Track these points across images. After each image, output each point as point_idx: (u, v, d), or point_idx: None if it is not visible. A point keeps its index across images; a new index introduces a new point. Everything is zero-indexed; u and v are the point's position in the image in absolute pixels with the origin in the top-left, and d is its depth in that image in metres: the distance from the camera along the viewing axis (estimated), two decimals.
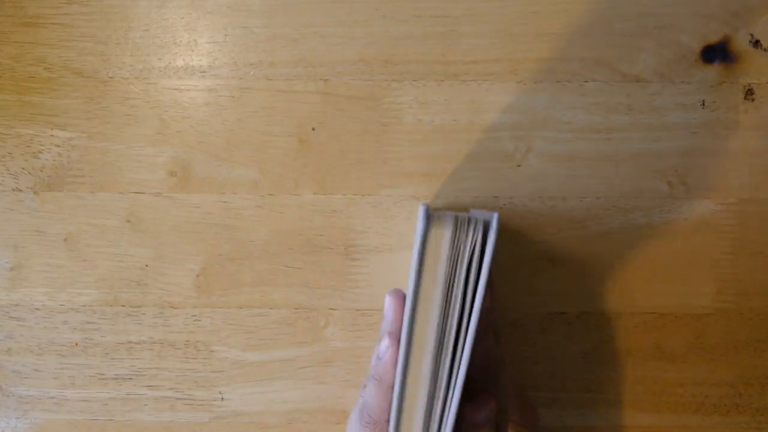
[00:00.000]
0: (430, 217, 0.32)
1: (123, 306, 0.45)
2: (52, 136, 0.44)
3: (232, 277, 0.45)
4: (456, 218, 0.31)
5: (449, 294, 0.32)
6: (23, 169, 0.45)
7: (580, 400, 0.45)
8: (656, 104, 0.43)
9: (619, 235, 0.44)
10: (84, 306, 0.45)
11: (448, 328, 0.32)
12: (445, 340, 0.32)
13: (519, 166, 0.44)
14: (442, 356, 0.32)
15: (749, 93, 0.43)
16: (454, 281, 0.32)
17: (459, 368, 0.31)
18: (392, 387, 0.33)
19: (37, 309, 0.45)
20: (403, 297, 0.36)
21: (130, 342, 0.46)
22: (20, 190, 0.45)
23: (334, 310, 0.45)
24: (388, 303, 0.36)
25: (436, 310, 0.31)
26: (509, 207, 0.44)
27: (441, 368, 0.32)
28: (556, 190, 0.44)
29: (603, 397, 0.45)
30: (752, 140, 0.43)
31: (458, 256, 0.32)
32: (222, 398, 0.46)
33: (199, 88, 0.44)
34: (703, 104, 0.43)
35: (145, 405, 0.46)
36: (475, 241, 0.31)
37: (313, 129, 0.44)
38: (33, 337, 0.46)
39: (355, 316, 0.45)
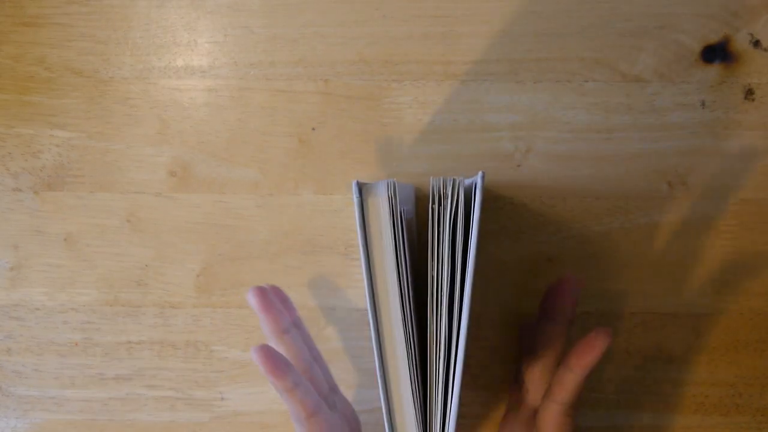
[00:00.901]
0: (362, 190, 0.32)
1: (123, 306, 0.45)
2: (52, 136, 0.44)
3: (232, 277, 0.45)
4: (388, 185, 0.31)
5: (434, 260, 0.32)
6: (23, 169, 0.45)
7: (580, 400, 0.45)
8: (656, 104, 0.43)
9: (619, 235, 0.44)
10: (84, 306, 0.45)
11: (436, 292, 0.32)
12: (435, 308, 0.32)
13: (519, 166, 0.44)
14: (434, 328, 0.31)
15: (749, 93, 0.43)
16: (440, 244, 0.32)
17: (458, 342, 0.31)
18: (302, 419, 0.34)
19: (37, 309, 0.45)
20: (264, 292, 0.36)
21: (130, 342, 0.46)
22: (20, 190, 0.45)
23: (334, 310, 0.45)
24: (254, 303, 0.35)
25: (393, 282, 0.31)
26: (509, 207, 0.44)
27: (435, 351, 0.31)
28: (556, 190, 0.44)
29: (603, 397, 0.45)
30: (752, 140, 0.43)
31: (439, 217, 0.32)
32: (222, 398, 0.46)
33: (199, 88, 0.44)
34: (703, 104, 0.43)
35: (145, 405, 0.46)
36: (456, 199, 0.32)
37: (313, 129, 0.44)
38: (33, 337, 0.46)
39: (355, 316, 0.45)
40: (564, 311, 0.38)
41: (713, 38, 0.43)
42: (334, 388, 0.40)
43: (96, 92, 0.44)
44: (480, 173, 0.32)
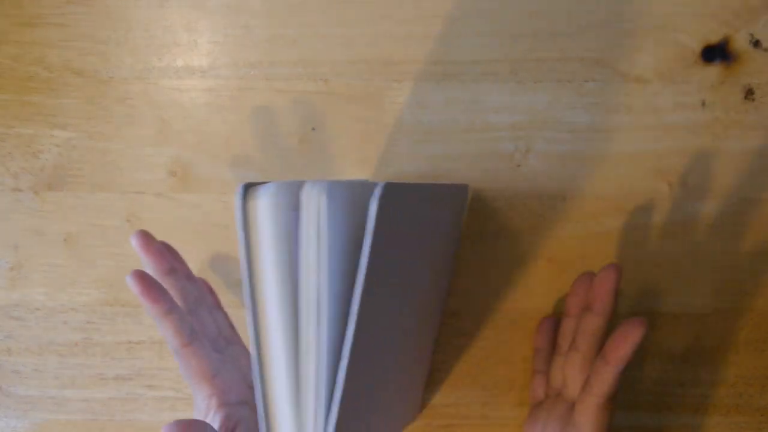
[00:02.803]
0: (246, 192, 0.28)
1: (123, 306, 0.45)
2: (52, 136, 0.44)
3: (232, 277, 0.45)
4: (278, 187, 0.28)
5: (298, 263, 0.28)
6: (23, 169, 0.45)
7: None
8: (656, 104, 0.43)
9: (619, 235, 0.44)
10: (84, 306, 0.45)
11: (311, 299, 0.28)
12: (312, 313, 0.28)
13: (519, 166, 0.44)
14: (308, 335, 0.28)
15: (749, 93, 0.43)
16: (306, 250, 0.28)
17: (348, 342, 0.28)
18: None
19: (37, 309, 0.45)
20: (147, 235, 0.37)
21: (130, 342, 0.46)
22: (20, 190, 0.45)
23: None
24: (135, 244, 0.36)
25: (273, 283, 0.28)
26: (509, 207, 0.44)
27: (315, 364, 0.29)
28: (556, 190, 0.44)
29: None
30: (752, 140, 0.43)
31: (305, 225, 0.28)
32: None
33: (199, 88, 0.44)
34: (703, 104, 0.43)
35: (145, 405, 0.46)
36: (319, 208, 0.27)
37: (313, 129, 0.44)
38: (33, 337, 0.46)
39: None
40: (607, 303, 0.37)
41: (713, 38, 0.43)
42: (229, 340, 0.41)
43: (96, 92, 0.44)
44: (379, 184, 0.27)
